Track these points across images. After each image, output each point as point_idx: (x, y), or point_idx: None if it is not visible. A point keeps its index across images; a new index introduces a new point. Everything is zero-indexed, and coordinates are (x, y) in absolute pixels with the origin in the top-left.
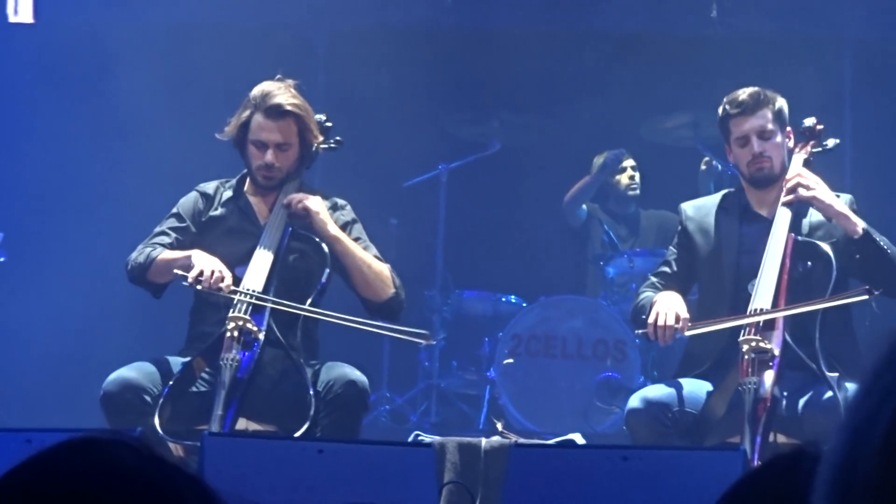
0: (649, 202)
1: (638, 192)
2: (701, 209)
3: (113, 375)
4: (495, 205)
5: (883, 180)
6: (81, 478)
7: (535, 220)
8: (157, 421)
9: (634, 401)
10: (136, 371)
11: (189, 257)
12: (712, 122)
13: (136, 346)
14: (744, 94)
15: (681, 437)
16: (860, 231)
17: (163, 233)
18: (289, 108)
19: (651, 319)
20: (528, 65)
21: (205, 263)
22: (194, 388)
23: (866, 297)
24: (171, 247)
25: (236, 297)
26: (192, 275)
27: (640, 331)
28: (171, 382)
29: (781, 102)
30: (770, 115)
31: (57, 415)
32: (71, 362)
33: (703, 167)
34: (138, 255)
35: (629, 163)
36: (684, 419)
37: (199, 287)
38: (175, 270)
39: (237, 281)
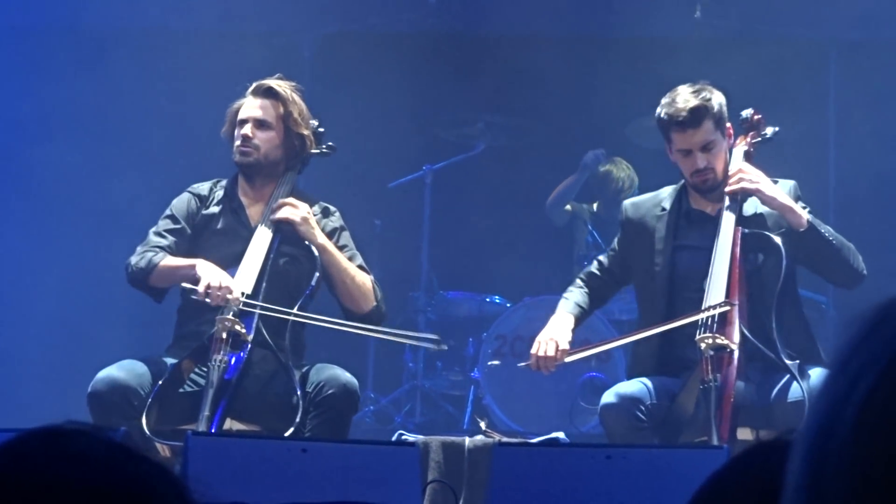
0: None
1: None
2: (640, 207)
3: (101, 374)
4: (480, 206)
5: (867, 181)
6: (44, 466)
7: (520, 221)
8: (144, 422)
9: (608, 396)
10: (124, 371)
11: (193, 267)
12: None
13: (123, 344)
14: (684, 107)
15: (654, 430)
16: (805, 224)
17: (159, 235)
18: (275, 88)
19: (533, 350)
20: (513, 67)
21: (211, 276)
22: (182, 390)
23: (728, 308)
24: (168, 250)
25: (233, 304)
26: (200, 288)
27: (521, 364)
28: (159, 383)
29: (719, 101)
30: (711, 125)
31: (46, 413)
32: (58, 360)
33: None
34: (139, 259)
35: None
36: (658, 413)
37: (208, 300)
38: (184, 284)
39: None
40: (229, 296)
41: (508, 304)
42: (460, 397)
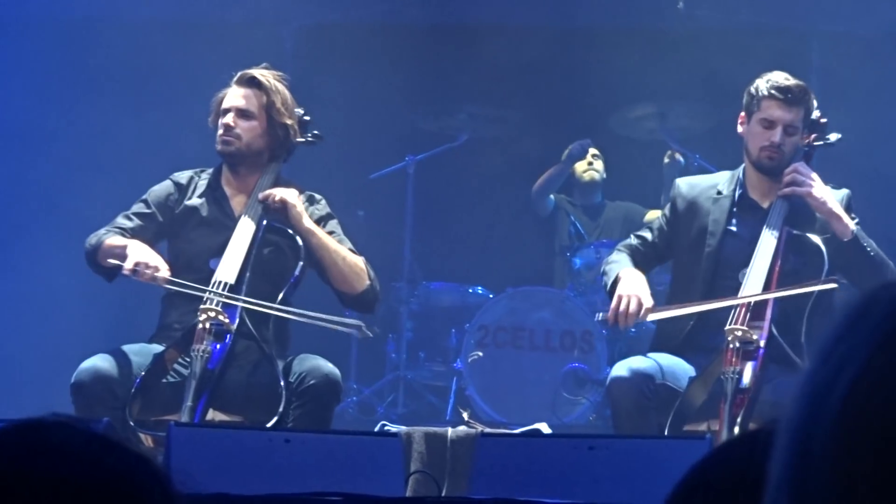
0: (615, 193)
1: (596, 177)
2: (695, 187)
3: (86, 364)
4: (462, 196)
5: (849, 172)
6: (25, 460)
7: (502, 212)
8: (127, 412)
9: (620, 370)
10: (108, 362)
11: (126, 247)
12: (679, 114)
13: (107, 333)
14: (790, 81)
15: (658, 410)
16: (849, 234)
17: (126, 217)
18: (258, 77)
19: (613, 304)
20: (495, 57)
21: (139, 254)
22: (166, 380)
23: (835, 286)
24: (131, 231)
25: (160, 283)
26: (126, 265)
27: (600, 316)
28: (142, 374)
29: (814, 103)
30: (802, 114)
31: (29, 402)
32: (41, 350)
33: (666, 160)
34: (93, 237)
35: (594, 151)
36: (665, 393)
37: (135, 277)
38: (109, 260)
39: (210, 273)
40: (157, 274)
41: (491, 295)
42: (443, 388)
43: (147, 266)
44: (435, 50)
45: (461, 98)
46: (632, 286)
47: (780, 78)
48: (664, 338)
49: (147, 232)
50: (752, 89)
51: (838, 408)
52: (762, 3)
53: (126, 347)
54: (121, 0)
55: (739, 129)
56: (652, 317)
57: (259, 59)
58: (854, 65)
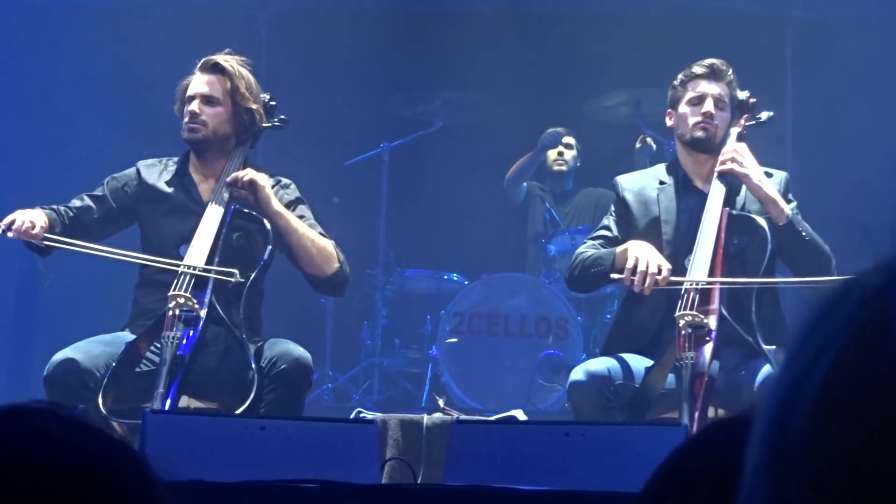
0: (589, 180)
1: (565, 168)
2: (639, 181)
3: (57, 357)
4: (437, 183)
5: (822, 156)
6: (5, 445)
7: (477, 199)
8: (100, 401)
9: (577, 374)
10: (80, 353)
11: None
12: (654, 100)
13: (82, 322)
14: (709, 62)
15: (622, 409)
16: (784, 219)
17: (80, 197)
18: (221, 63)
19: (630, 264)
20: (471, 43)
21: (18, 213)
22: (139, 369)
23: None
24: (77, 210)
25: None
26: (3, 223)
27: (617, 276)
28: (113, 364)
29: (735, 81)
30: (728, 91)
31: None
32: (15, 341)
33: (638, 145)
34: None
35: (567, 140)
36: (626, 392)
37: (10, 235)
38: None
39: (180, 259)
40: (33, 231)
41: (466, 282)
42: (418, 375)
43: (23, 223)
44: (410, 36)
45: (436, 84)
46: (647, 249)
47: (703, 60)
48: (626, 337)
49: (92, 213)
50: (675, 81)
51: (815, 395)
52: None
53: (98, 338)
54: None
55: (668, 122)
56: (671, 285)
57: (234, 45)
58: (828, 51)
